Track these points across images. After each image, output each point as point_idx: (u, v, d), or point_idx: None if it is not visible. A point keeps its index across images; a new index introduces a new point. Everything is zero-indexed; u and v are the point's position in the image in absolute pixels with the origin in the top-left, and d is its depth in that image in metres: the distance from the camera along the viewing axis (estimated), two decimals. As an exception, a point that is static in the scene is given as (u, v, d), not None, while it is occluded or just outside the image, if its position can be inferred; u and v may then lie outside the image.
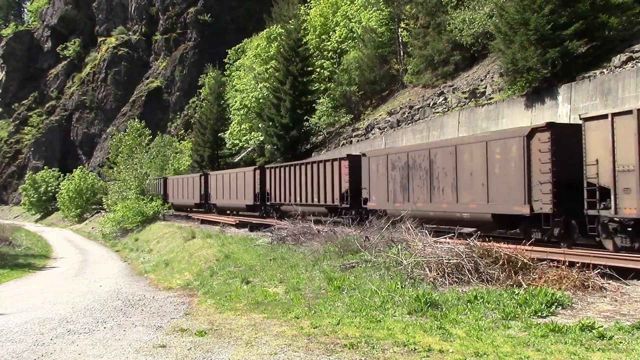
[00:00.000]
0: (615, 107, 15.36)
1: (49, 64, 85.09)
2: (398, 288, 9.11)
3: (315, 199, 21.87)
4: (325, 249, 13.98)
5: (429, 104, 26.90)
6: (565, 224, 11.92)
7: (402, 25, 33.87)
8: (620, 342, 5.94)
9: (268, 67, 41.39)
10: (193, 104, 64.31)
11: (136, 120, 55.23)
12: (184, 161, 48.70)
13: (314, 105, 36.01)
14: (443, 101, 25.97)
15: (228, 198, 30.76)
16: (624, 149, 10.51)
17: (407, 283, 9.45)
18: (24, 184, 68.62)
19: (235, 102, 44.44)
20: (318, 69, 38.29)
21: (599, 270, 8.85)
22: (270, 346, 6.73)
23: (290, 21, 38.75)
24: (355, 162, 19.54)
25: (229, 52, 57.26)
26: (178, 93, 67.98)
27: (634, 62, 16.80)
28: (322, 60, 39.51)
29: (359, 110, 35.68)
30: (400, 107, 29.84)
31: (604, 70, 17.56)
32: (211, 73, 52.79)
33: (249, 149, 43.83)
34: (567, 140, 11.90)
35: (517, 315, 7.18)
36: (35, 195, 66.29)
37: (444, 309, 7.76)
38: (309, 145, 37.08)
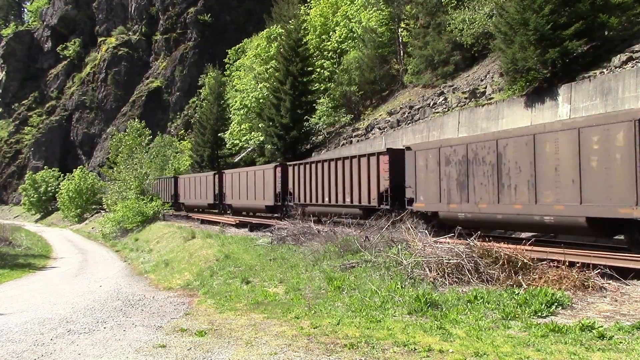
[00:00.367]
0: (615, 107, 15.38)
1: (49, 64, 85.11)
2: (398, 288, 9.11)
3: (348, 199, 19.52)
4: (325, 249, 13.98)
5: (429, 104, 26.91)
6: None
7: (402, 25, 33.89)
8: (620, 342, 5.94)
9: (268, 67, 41.40)
10: (193, 104, 64.33)
11: (136, 120, 55.29)
12: (184, 161, 48.71)
13: (314, 105, 36.02)
14: (443, 101, 25.98)
15: (245, 198, 28.32)
16: None
17: (407, 283, 9.45)
18: (24, 184, 68.63)
19: (235, 102, 44.45)
20: (318, 69, 38.31)
21: (599, 270, 8.85)
22: (270, 346, 6.73)
23: (290, 21, 38.76)
24: (396, 157, 17.14)
25: (229, 52, 57.30)
26: (178, 93, 68.00)
27: (634, 62, 16.80)
28: (322, 60, 39.53)
29: (359, 110, 35.69)
30: (400, 107, 29.84)
31: (604, 70, 17.56)
32: (211, 73, 52.81)
33: (249, 149, 43.84)
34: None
35: (517, 315, 7.18)
36: (35, 195, 66.31)
37: (444, 309, 7.76)
38: (309, 146, 37.08)
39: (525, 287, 8.36)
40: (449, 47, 27.69)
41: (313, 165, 22.20)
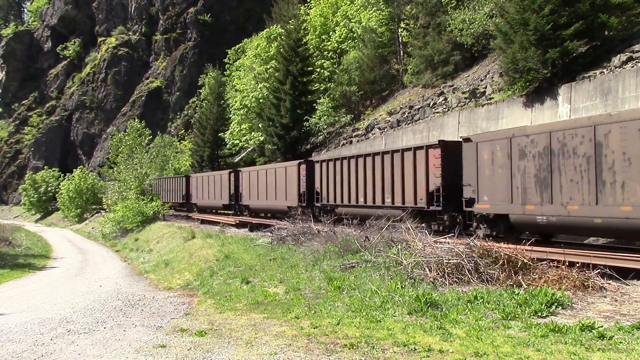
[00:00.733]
0: (615, 108, 15.37)
1: (49, 64, 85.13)
2: (398, 288, 9.11)
3: (389, 200, 17.25)
4: (325, 249, 13.98)
5: (429, 104, 26.91)
6: None
7: (402, 25, 33.89)
8: (620, 342, 5.94)
9: (268, 67, 41.41)
10: (193, 104, 64.35)
11: (136, 120, 55.25)
12: (184, 161, 48.71)
13: (314, 105, 36.02)
14: (443, 101, 25.98)
15: (264, 199, 25.98)
16: None
17: (407, 283, 9.45)
18: (24, 184, 68.63)
19: (235, 102, 44.46)
20: (318, 69, 38.31)
21: (599, 270, 8.85)
22: (270, 346, 6.73)
23: (290, 21, 38.77)
24: (450, 151, 15.02)
25: (229, 52, 57.31)
26: (178, 93, 68.01)
27: (634, 62, 16.80)
28: (322, 60, 39.54)
29: (359, 110, 35.69)
30: (400, 107, 29.84)
31: (604, 70, 17.56)
32: (211, 73, 52.82)
33: (249, 149, 43.85)
34: None
35: (517, 315, 7.18)
36: (35, 195, 66.31)
37: (444, 309, 7.76)
38: (309, 146, 37.09)
39: (525, 287, 8.36)
40: (449, 47, 27.69)
41: (345, 162, 19.75)
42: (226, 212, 32.18)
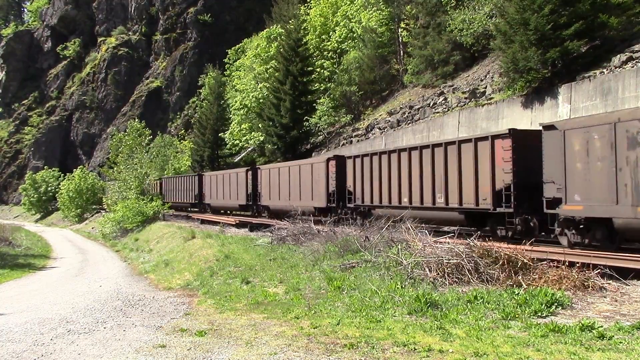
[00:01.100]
0: (615, 107, 15.38)
1: (49, 64, 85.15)
2: (398, 288, 9.10)
3: (440, 200, 14.80)
4: (325, 249, 13.98)
5: (429, 104, 26.91)
6: None
7: (402, 25, 33.90)
8: (620, 342, 5.94)
9: (268, 67, 41.44)
10: (193, 104, 64.37)
11: (136, 120, 55.27)
12: (184, 161, 48.71)
13: (314, 105, 36.04)
14: (443, 101, 25.98)
15: (287, 199, 23.92)
16: None
17: (407, 283, 9.45)
18: (24, 184, 68.65)
19: (235, 102, 44.48)
20: (318, 69, 38.33)
21: (599, 270, 8.85)
22: (270, 346, 6.73)
23: (290, 21, 38.80)
24: (524, 141, 12.86)
25: (229, 52, 57.34)
26: (178, 93, 68.02)
27: (634, 62, 16.80)
28: (322, 60, 39.56)
29: (359, 110, 35.70)
30: (400, 107, 29.85)
31: (604, 70, 17.57)
32: (211, 73, 52.85)
33: (249, 149, 43.86)
34: None
35: (517, 315, 7.18)
36: (35, 195, 66.33)
37: (444, 309, 7.75)
38: (309, 145, 37.11)
39: (525, 287, 8.36)
40: (449, 47, 27.70)
41: (385, 157, 17.43)
42: (243, 213, 30.19)
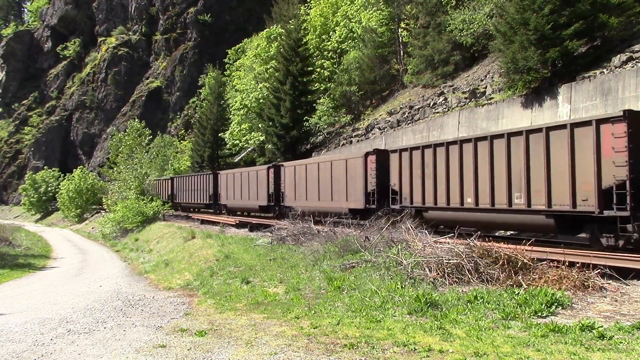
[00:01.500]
0: (615, 108, 15.39)
1: (49, 64, 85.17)
2: (398, 288, 9.10)
3: (520, 201, 12.29)
4: (325, 249, 13.97)
5: (429, 104, 26.92)
6: None
7: (402, 25, 33.91)
8: (620, 342, 5.94)
9: (268, 67, 41.45)
10: (193, 104, 64.39)
11: (136, 120, 55.31)
12: (184, 161, 48.72)
13: (314, 105, 36.05)
14: (443, 101, 25.98)
15: (315, 199, 21.59)
16: None
17: (407, 283, 9.45)
18: (24, 184, 68.68)
19: (235, 102, 44.49)
20: (318, 69, 38.34)
21: (599, 270, 8.85)
22: (270, 346, 6.72)
23: (290, 21, 38.80)
24: None
25: (229, 52, 57.37)
26: (178, 93, 68.03)
27: (634, 62, 16.80)
28: (322, 60, 39.57)
29: (359, 110, 35.70)
30: (400, 107, 29.85)
31: (604, 70, 17.57)
32: (211, 73, 52.87)
33: (249, 149, 43.86)
34: None
35: (517, 315, 7.18)
36: (35, 196, 66.34)
37: (444, 309, 7.75)
38: (309, 145, 37.11)
39: (525, 287, 8.36)
40: (449, 47, 27.71)
41: (441, 149, 14.75)
42: (264, 215, 27.60)
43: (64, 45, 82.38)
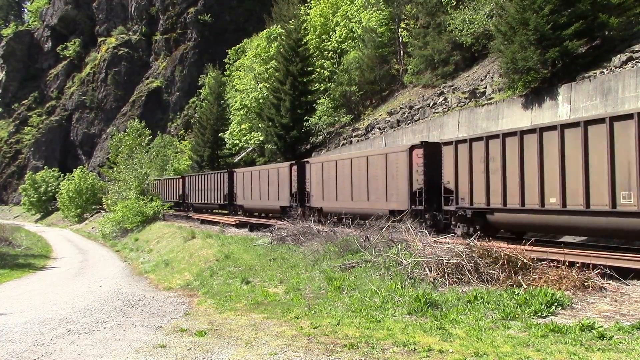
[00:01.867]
0: (615, 107, 15.39)
1: (49, 64, 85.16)
2: (398, 288, 9.10)
3: (631, 201, 10.03)
4: (325, 249, 13.98)
5: (429, 104, 26.92)
6: None
7: (402, 25, 33.91)
8: (620, 342, 5.94)
9: (268, 67, 41.44)
10: (193, 104, 64.40)
11: (136, 120, 55.28)
12: (184, 161, 48.72)
13: (314, 105, 36.05)
14: (443, 101, 25.98)
15: (347, 199, 19.41)
16: None
17: (407, 283, 9.45)
18: (24, 184, 68.67)
19: (235, 102, 44.49)
20: (318, 69, 38.34)
21: (599, 270, 8.85)
22: (270, 346, 6.72)
23: (290, 21, 38.80)
24: None
25: (229, 52, 57.37)
26: (178, 93, 68.03)
27: (634, 62, 16.80)
28: (322, 60, 39.56)
29: (359, 110, 35.70)
30: (400, 107, 29.85)
31: (604, 70, 17.57)
32: (211, 73, 52.87)
33: (249, 149, 43.86)
34: None
35: (517, 316, 7.18)
36: (35, 195, 66.34)
37: (444, 309, 7.75)
38: (309, 145, 37.11)
39: (525, 287, 8.36)
40: (449, 47, 27.71)
41: (511, 140, 12.55)
42: (285, 216, 23.43)
43: (64, 45, 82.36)
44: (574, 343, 5.97)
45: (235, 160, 45.15)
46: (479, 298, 8.00)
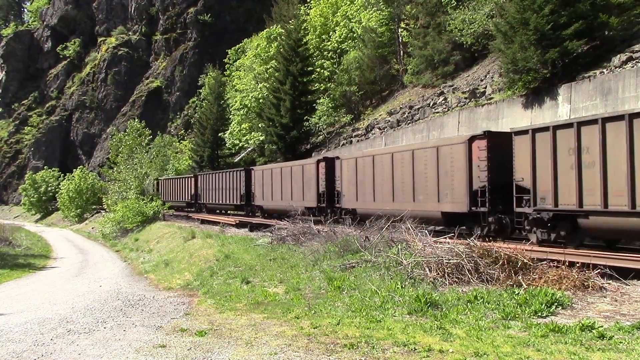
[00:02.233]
0: (615, 107, 15.39)
1: (49, 64, 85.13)
2: (398, 288, 9.10)
3: None
4: (325, 249, 13.97)
5: (429, 104, 26.92)
6: None
7: (402, 25, 33.91)
8: (620, 342, 5.94)
9: (268, 67, 41.44)
10: (193, 104, 64.38)
11: (136, 120, 55.28)
12: (184, 161, 48.73)
13: (314, 105, 36.04)
14: (443, 101, 25.98)
15: (387, 199, 17.18)
16: None
17: (407, 283, 9.45)
18: (24, 184, 68.67)
19: (235, 102, 44.49)
20: (318, 69, 38.33)
21: (599, 270, 8.85)
22: (270, 346, 6.73)
23: (290, 21, 38.81)
24: None
25: (229, 52, 57.36)
26: (178, 93, 68.02)
27: (634, 62, 16.80)
28: (322, 60, 39.56)
29: (359, 110, 35.70)
30: (400, 107, 29.85)
31: (604, 70, 17.57)
32: (211, 73, 52.87)
33: (249, 149, 43.86)
34: None
35: (517, 315, 7.18)
36: (35, 195, 66.34)
37: (444, 309, 7.76)
38: (309, 145, 37.10)
39: (525, 287, 8.36)
40: (449, 47, 27.71)
41: (616, 125, 10.25)
42: (316, 217, 21.01)
43: (64, 45, 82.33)
44: (574, 343, 5.97)
45: (235, 160, 45.14)
46: (479, 298, 8.00)
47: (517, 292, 8.02)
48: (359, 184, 18.98)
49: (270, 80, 38.75)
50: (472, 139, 14.02)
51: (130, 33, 76.62)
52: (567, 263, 9.10)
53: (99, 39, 78.70)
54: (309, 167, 22.59)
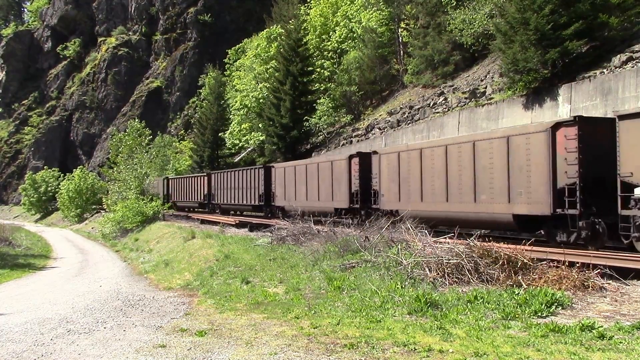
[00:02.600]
0: (615, 107, 15.39)
1: (49, 64, 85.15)
2: (398, 288, 9.10)
3: None
4: (325, 249, 13.96)
5: (429, 104, 26.92)
6: None
7: (402, 25, 33.92)
8: (620, 342, 5.94)
9: (268, 67, 41.46)
10: (193, 104, 64.40)
11: (136, 120, 55.30)
12: (184, 161, 48.74)
13: (314, 105, 36.05)
14: (443, 101, 25.98)
15: (439, 199, 14.98)
16: None
17: (407, 283, 9.45)
18: (24, 184, 68.68)
19: (235, 102, 44.50)
20: (318, 69, 38.35)
21: (599, 270, 8.85)
22: (270, 346, 6.72)
23: (290, 21, 38.82)
24: None
25: (229, 52, 57.38)
26: (178, 93, 68.03)
27: (634, 62, 16.81)
28: (322, 60, 39.57)
29: (359, 110, 35.71)
30: (400, 107, 29.86)
31: (604, 70, 17.57)
32: (211, 73, 52.88)
33: (249, 149, 43.86)
34: None
35: (517, 315, 7.17)
36: (35, 195, 66.35)
37: (444, 309, 7.75)
38: (309, 145, 37.11)
39: (525, 287, 8.36)
40: (449, 47, 27.73)
41: None
42: (345, 219, 17.92)
43: (64, 45, 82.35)
44: (574, 343, 5.97)
45: (235, 160, 45.15)
46: (479, 298, 8.00)
47: (517, 292, 8.01)
48: (402, 181, 16.53)
49: (271, 80, 38.77)
50: (556, 126, 11.67)
51: (130, 33, 76.64)
52: (567, 263, 9.10)
53: (99, 39, 78.72)
54: (339, 163, 20.47)
